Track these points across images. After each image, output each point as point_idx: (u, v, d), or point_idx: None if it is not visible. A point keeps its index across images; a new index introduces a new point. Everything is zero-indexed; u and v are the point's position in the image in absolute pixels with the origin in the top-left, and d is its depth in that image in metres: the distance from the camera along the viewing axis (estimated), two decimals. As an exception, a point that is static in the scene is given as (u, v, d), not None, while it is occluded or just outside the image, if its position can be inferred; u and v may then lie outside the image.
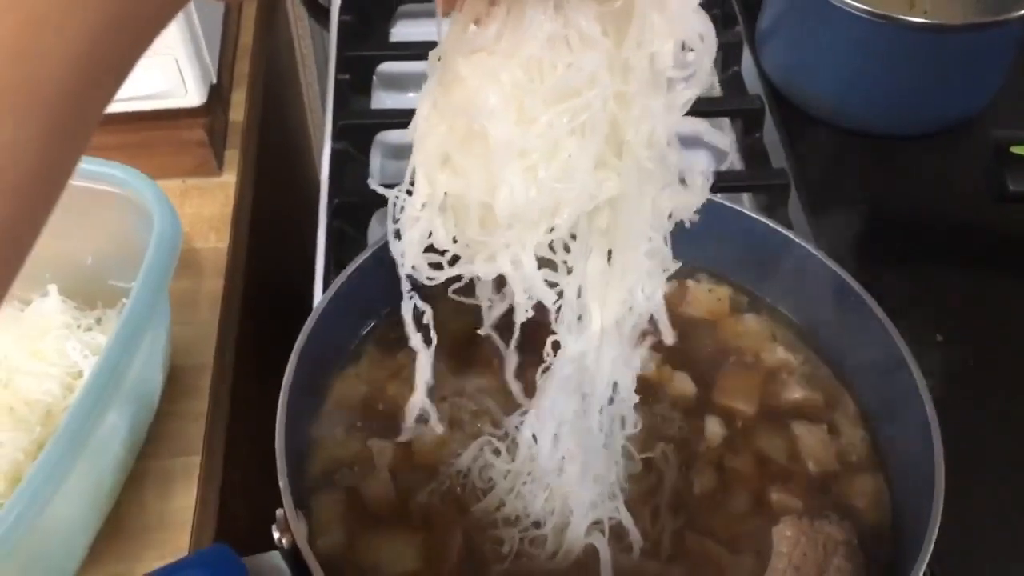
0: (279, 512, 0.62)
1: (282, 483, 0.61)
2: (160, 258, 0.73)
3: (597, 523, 0.65)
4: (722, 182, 0.96)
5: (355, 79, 1.10)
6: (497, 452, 0.69)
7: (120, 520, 0.76)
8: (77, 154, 0.35)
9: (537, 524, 0.66)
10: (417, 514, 0.68)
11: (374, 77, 1.13)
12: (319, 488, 0.69)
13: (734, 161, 1.06)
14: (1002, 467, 0.78)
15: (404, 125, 1.01)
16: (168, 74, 0.90)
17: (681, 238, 0.82)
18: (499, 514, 0.66)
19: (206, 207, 0.99)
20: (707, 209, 0.80)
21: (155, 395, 0.81)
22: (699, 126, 0.55)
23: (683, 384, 0.75)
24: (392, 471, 0.70)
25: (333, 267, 0.90)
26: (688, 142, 1.09)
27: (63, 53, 0.32)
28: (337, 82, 1.09)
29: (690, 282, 0.82)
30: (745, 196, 1.01)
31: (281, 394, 0.67)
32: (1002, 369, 0.84)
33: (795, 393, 0.74)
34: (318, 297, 0.87)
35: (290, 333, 0.72)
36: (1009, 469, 0.78)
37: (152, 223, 0.74)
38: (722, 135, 0.59)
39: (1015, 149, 0.75)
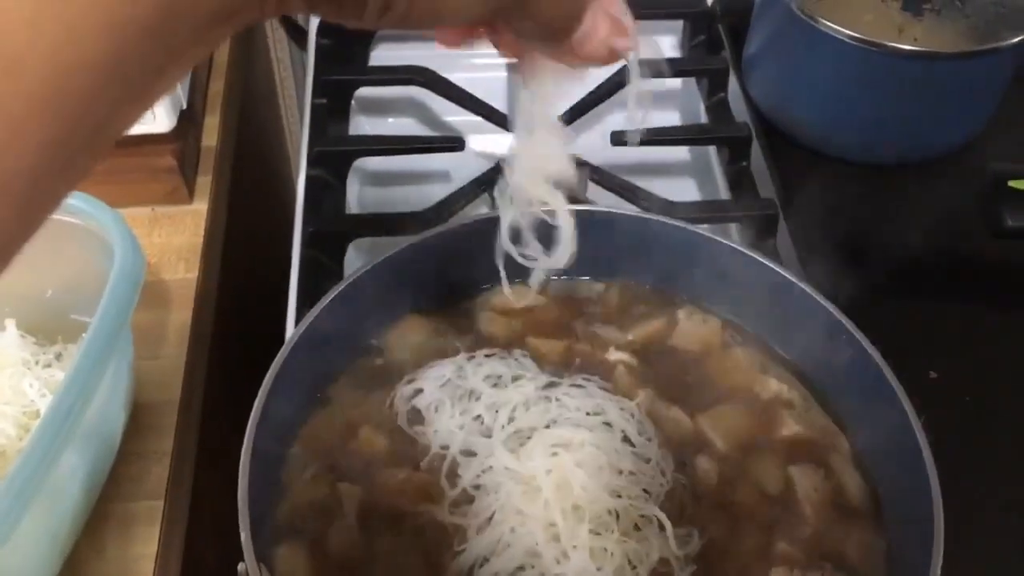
0: (240, 567, 0.58)
1: (244, 535, 0.58)
2: (120, 292, 0.69)
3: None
4: (708, 212, 0.94)
5: (332, 103, 1.07)
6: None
7: (77, 569, 0.72)
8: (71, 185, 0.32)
9: (523, 568, 0.63)
10: (387, 567, 0.64)
11: (352, 102, 1.10)
12: (284, 536, 0.65)
13: (721, 190, 1.04)
14: (1002, 510, 0.75)
15: (383, 152, 1.03)
16: (136, 99, 0.87)
17: (667, 270, 0.81)
18: (484, 568, 0.63)
19: (176, 236, 0.96)
20: (692, 242, 0.79)
21: (117, 434, 0.78)
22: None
23: (678, 419, 0.72)
24: (361, 518, 0.66)
25: (307, 299, 0.87)
26: (675, 170, 1.11)
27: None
28: (313, 106, 1.06)
29: (680, 313, 0.79)
30: (732, 227, 0.98)
31: (246, 437, 0.63)
32: (1000, 407, 0.81)
33: (790, 430, 0.71)
34: (290, 331, 0.84)
35: (263, 368, 0.69)
36: (1009, 511, 0.75)
37: (113, 254, 0.71)
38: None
39: (1013, 184, 0.73)
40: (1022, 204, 0.72)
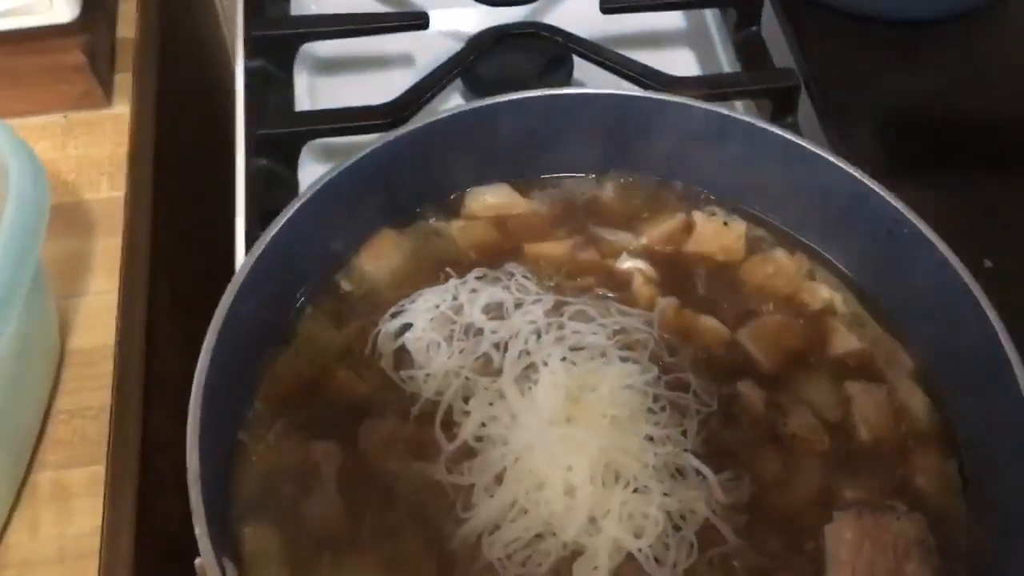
0: (197, 563, 0.47)
1: (198, 528, 0.46)
2: (20, 224, 0.56)
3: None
4: (717, 87, 0.80)
5: (269, -21, 0.91)
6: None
7: (9, 554, 0.61)
8: None
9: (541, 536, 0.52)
10: (377, 539, 0.53)
11: (292, -24, 0.95)
12: (250, 512, 0.54)
13: (723, 63, 0.90)
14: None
15: (335, 35, 0.88)
16: (24, -18, 0.71)
17: (677, 160, 0.69)
18: (494, 536, 0.52)
19: (95, 147, 0.81)
20: (706, 120, 0.66)
21: (40, 392, 0.65)
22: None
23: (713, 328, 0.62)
24: (341, 483, 0.55)
25: (258, 216, 0.74)
26: (666, 40, 0.98)
27: None
28: (247, -17, 0.90)
29: (697, 215, 0.67)
30: (739, 104, 0.85)
31: (192, 399, 0.51)
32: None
33: (845, 344, 0.61)
34: (240, 256, 0.71)
35: (214, 299, 0.56)
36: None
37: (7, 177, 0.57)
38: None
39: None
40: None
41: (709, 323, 0.62)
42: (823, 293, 0.63)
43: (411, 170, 0.65)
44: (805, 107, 0.80)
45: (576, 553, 0.52)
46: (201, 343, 0.54)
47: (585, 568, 0.51)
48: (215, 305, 0.56)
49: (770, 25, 0.87)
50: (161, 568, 0.71)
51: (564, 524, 0.52)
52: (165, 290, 0.85)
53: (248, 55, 0.84)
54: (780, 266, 0.64)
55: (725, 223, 0.66)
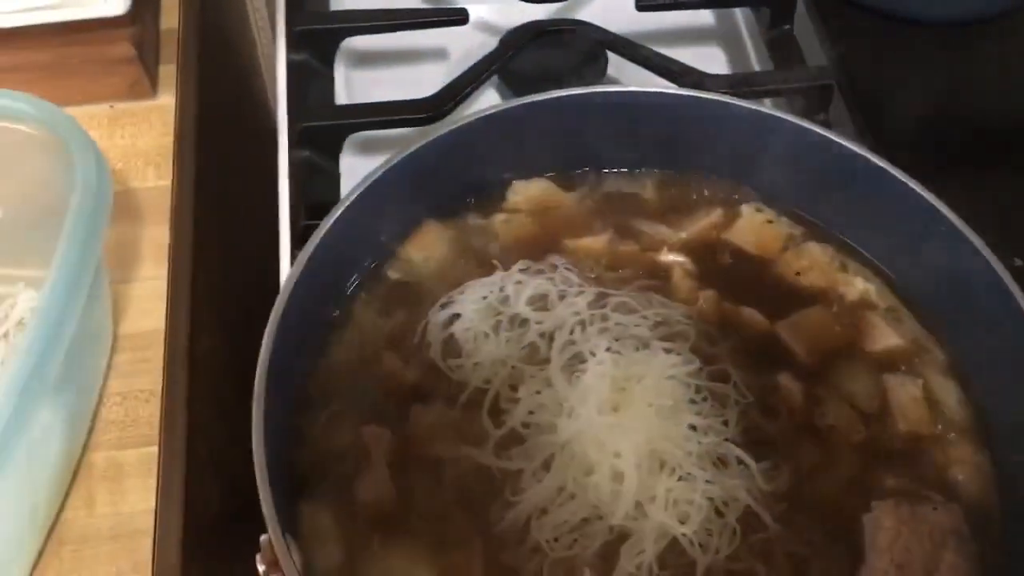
0: (263, 540, 0.49)
1: (266, 507, 0.48)
2: (87, 216, 0.58)
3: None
4: (751, 86, 0.82)
5: (309, -26, 0.93)
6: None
7: (66, 531, 0.63)
8: None
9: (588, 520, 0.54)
10: (426, 521, 0.55)
11: (332, -30, 0.96)
12: (305, 493, 0.56)
13: (753, 61, 0.92)
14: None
15: (376, 29, 0.90)
16: (80, -25, 0.72)
17: (718, 156, 0.70)
18: (542, 520, 0.54)
19: (141, 137, 0.83)
20: (744, 118, 0.68)
21: (96, 375, 0.67)
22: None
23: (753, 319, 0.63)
24: (392, 464, 0.57)
25: (302, 207, 0.75)
26: (696, 37, 0.99)
27: None
28: (288, -22, 0.92)
29: (745, 208, 0.68)
30: (768, 102, 0.86)
31: (256, 382, 0.53)
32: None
33: (882, 337, 0.62)
34: (285, 246, 0.73)
35: (257, 284, 0.58)
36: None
37: (72, 165, 0.59)
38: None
39: None
40: None
41: (749, 314, 0.63)
42: (859, 284, 0.64)
43: (455, 165, 0.66)
44: (837, 105, 0.82)
45: (623, 537, 0.54)
46: (237, 327, 0.55)
47: (631, 551, 0.53)
48: (254, 293, 0.58)
49: (803, 24, 0.89)
50: (202, 545, 0.73)
51: (612, 509, 0.53)
52: (204, 277, 0.87)
53: (290, 49, 0.86)
54: (814, 259, 0.65)
55: (770, 221, 0.68)
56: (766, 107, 0.67)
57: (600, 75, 0.88)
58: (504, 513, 0.55)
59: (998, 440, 0.59)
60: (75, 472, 0.65)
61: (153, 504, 0.64)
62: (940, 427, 0.60)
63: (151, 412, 0.68)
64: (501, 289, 0.63)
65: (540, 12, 0.92)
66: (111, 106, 0.84)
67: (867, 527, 0.54)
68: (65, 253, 0.55)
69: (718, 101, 0.66)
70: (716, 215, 0.68)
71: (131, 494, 0.65)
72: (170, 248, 0.77)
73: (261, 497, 0.48)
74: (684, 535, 0.53)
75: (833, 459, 0.58)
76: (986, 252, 0.59)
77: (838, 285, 0.65)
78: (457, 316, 0.62)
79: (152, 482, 0.65)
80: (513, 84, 0.87)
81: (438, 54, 0.96)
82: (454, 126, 0.65)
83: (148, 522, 0.64)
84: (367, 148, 0.84)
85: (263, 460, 0.49)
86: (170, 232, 0.77)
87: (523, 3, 0.93)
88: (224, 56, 1.23)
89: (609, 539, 0.54)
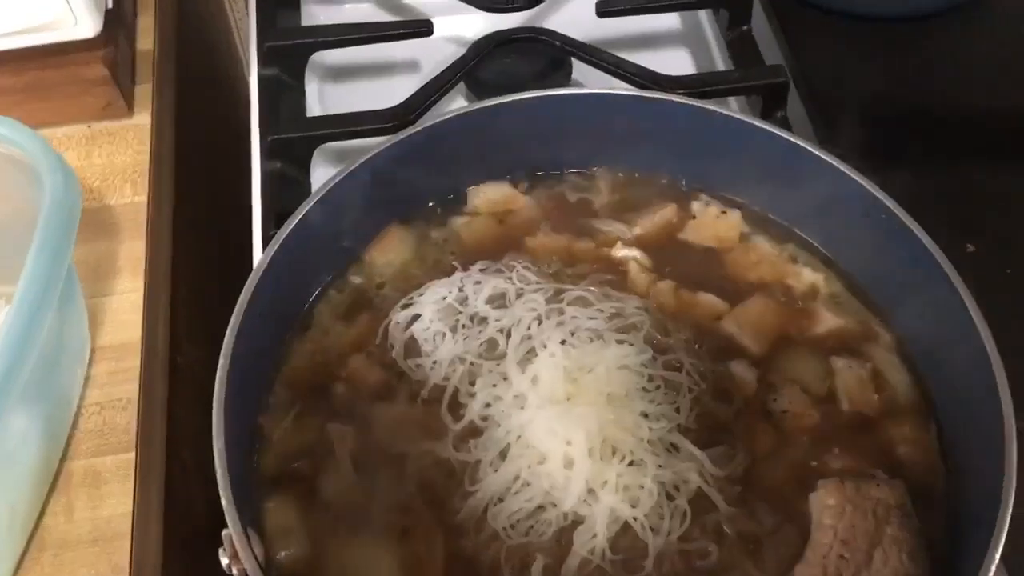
0: (225, 534, 0.51)
1: (225, 501, 0.50)
2: (54, 228, 0.60)
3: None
4: (707, 85, 0.84)
5: (280, -9, 0.96)
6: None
7: (46, 537, 0.65)
8: None
9: (543, 507, 0.56)
10: (389, 513, 0.57)
11: (302, -13, 0.99)
12: (272, 489, 0.58)
13: (718, 61, 0.94)
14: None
15: (342, 43, 0.92)
16: (51, 1, 0.75)
17: (667, 153, 0.72)
18: (498, 507, 0.56)
19: (118, 155, 0.85)
20: (697, 118, 0.70)
21: (72, 386, 0.69)
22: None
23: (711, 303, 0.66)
24: (356, 460, 0.59)
25: (273, 216, 0.78)
26: (663, 40, 1.01)
27: None
28: (258, -5, 0.94)
29: (695, 204, 0.70)
30: (732, 100, 0.88)
31: (216, 385, 0.55)
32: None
33: (828, 323, 0.64)
34: (257, 255, 0.75)
35: (233, 296, 0.60)
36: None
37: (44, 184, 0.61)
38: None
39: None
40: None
41: (707, 299, 0.65)
42: (807, 276, 0.66)
43: (415, 170, 0.68)
44: (795, 102, 0.84)
45: (576, 522, 0.55)
46: (221, 338, 0.58)
47: (584, 536, 0.55)
48: (234, 302, 0.60)
49: (760, 24, 0.91)
50: (187, 550, 0.75)
51: (564, 495, 0.55)
52: (185, 288, 0.89)
53: (261, 64, 0.88)
54: (763, 252, 0.67)
55: (723, 211, 0.70)
56: (711, 104, 0.68)
57: (565, 81, 0.90)
58: (463, 503, 0.56)
59: (943, 417, 0.61)
60: (54, 480, 0.67)
61: (131, 508, 0.67)
62: (886, 407, 0.61)
63: (128, 420, 0.70)
64: (460, 289, 0.65)
65: (509, 21, 0.95)
66: (88, 126, 0.86)
67: (813, 505, 0.56)
68: (32, 267, 0.57)
69: (664, 100, 0.68)
70: (669, 210, 0.70)
71: (109, 499, 0.67)
72: (146, 261, 0.79)
73: (221, 492, 0.50)
74: (635, 519, 0.55)
75: (786, 442, 0.60)
76: (923, 235, 0.60)
77: (787, 276, 0.67)
78: (417, 316, 0.64)
79: (130, 486, 0.67)
80: (479, 91, 0.89)
81: (410, 65, 0.98)
82: (409, 132, 0.67)
83: (126, 525, 0.66)
84: (340, 158, 0.86)
85: (223, 457, 0.51)
86: (146, 246, 0.80)
87: (493, 14, 0.95)
88: (206, 72, 1.25)
89: (563, 525, 0.55)
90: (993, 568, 0.49)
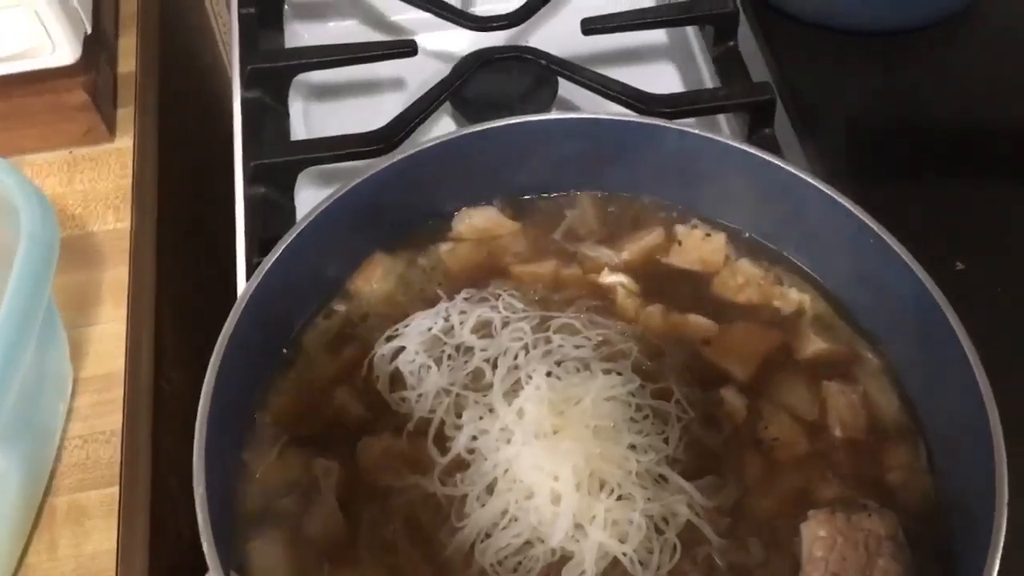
0: (207, 578, 0.50)
1: (206, 544, 0.49)
2: (32, 260, 0.59)
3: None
4: (694, 104, 0.83)
5: (263, 11, 0.95)
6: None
7: (30, 574, 0.64)
8: None
9: (531, 543, 0.55)
10: (375, 550, 0.56)
11: (285, 6, 0.98)
12: (256, 527, 0.57)
13: (706, 77, 0.93)
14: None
15: (325, 65, 0.91)
16: (28, 28, 0.74)
17: (656, 176, 0.71)
18: (485, 544, 0.55)
19: (100, 181, 0.84)
20: (680, 142, 0.69)
21: (54, 420, 0.68)
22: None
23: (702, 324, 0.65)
24: (341, 496, 0.58)
25: (257, 243, 0.77)
26: (651, 56, 1.00)
27: None
28: (242, 17, 0.93)
29: (680, 228, 0.70)
30: (722, 118, 0.88)
31: (198, 418, 0.54)
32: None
33: (816, 346, 0.63)
34: (241, 283, 0.74)
35: (219, 324, 0.59)
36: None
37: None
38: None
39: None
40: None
41: (696, 320, 0.65)
42: (793, 297, 0.66)
43: (400, 197, 0.68)
44: (782, 118, 0.83)
45: (564, 558, 0.55)
46: (208, 360, 0.57)
47: (573, 572, 0.54)
48: (221, 324, 0.59)
49: (746, 40, 0.90)
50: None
51: (552, 531, 0.54)
52: (171, 316, 0.88)
53: (244, 87, 0.87)
54: (749, 275, 0.67)
55: (708, 234, 0.69)
56: (695, 128, 0.68)
57: (551, 99, 0.89)
58: (450, 539, 0.56)
59: (933, 441, 0.60)
60: (37, 517, 0.66)
61: (115, 544, 0.66)
62: (878, 433, 0.61)
63: (112, 453, 0.70)
64: (446, 319, 0.64)
65: (494, 39, 0.94)
66: (70, 152, 0.85)
67: (804, 537, 0.56)
68: (9, 306, 0.56)
69: (647, 124, 0.67)
70: (656, 235, 0.70)
71: (94, 535, 0.66)
72: (129, 289, 0.78)
73: (202, 537, 0.49)
74: (624, 554, 0.54)
75: (776, 471, 0.60)
76: (913, 264, 0.60)
77: (773, 299, 0.66)
78: (402, 349, 0.63)
79: (114, 522, 0.67)
80: (465, 111, 0.89)
81: (396, 83, 0.98)
82: (394, 159, 0.66)
83: (111, 562, 0.65)
84: (327, 180, 0.86)
85: (203, 498, 0.50)
86: (129, 273, 0.79)
87: (477, 32, 0.95)
88: (194, 92, 1.25)
89: (552, 561, 0.55)
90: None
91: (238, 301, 0.60)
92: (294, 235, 0.63)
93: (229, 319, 0.59)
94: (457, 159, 0.69)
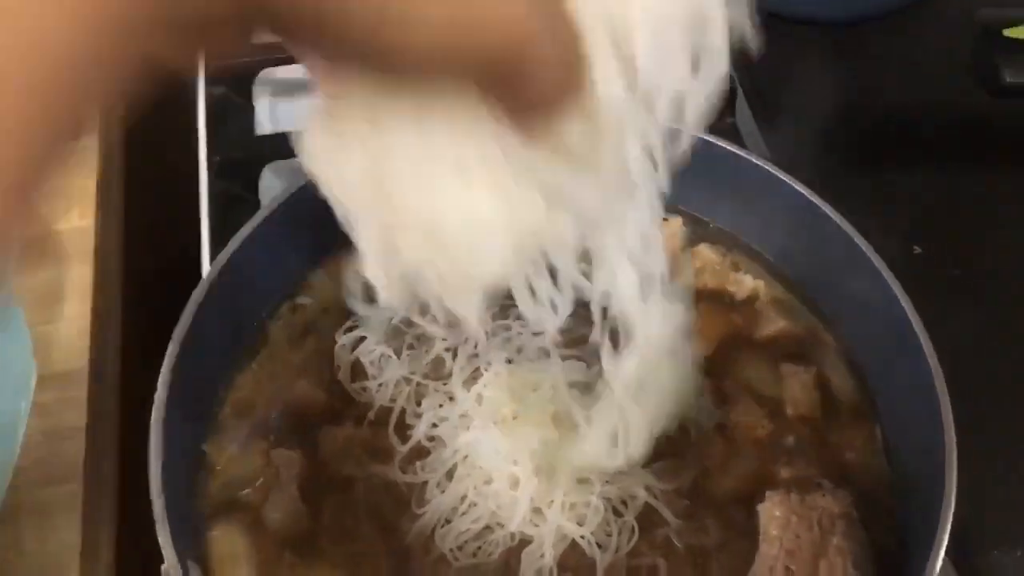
0: (164, 568, 0.50)
1: (161, 536, 0.49)
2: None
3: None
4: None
5: (228, 9, 0.94)
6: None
7: (-6, 570, 0.64)
8: None
9: (490, 528, 0.56)
10: (336, 538, 0.56)
11: (250, 5, 0.97)
12: (217, 516, 0.57)
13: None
14: (1010, 390, 0.69)
15: (289, 60, 0.91)
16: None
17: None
18: (445, 529, 0.55)
19: (63, 178, 0.84)
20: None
21: (16, 417, 0.68)
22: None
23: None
24: (303, 486, 0.58)
25: (221, 240, 0.77)
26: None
27: None
28: (206, 15, 0.93)
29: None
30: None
31: (154, 410, 0.55)
32: (992, 278, 0.74)
33: (776, 324, 0.64)
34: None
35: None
36: (1015, 390, 0.69)
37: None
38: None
39: (1010, 32, 0.63)
40: (1022, 55, 0.63)
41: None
42: (748, 282, 0.66)
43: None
44: (742, 107, 0.84)
45: (524, 542, 0.55)
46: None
47: (532, 556, 0.54)
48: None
49: (708, 31, 0.91)
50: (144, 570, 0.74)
51: (510, 515, 0.55)
52: (141, 312, 0.88)
53: (208, 83, 0.88)
54: (706, 259, 0.67)
55: (664, 219, 0.69)
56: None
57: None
58: (411, 525, 0.56)
59: (887, 422, 0.61)
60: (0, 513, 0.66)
61: (79, 539, 0.66)
62: (834, 413, 0.61)
63: (76, 449, 0.69)
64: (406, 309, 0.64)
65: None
66: (34, 150, 0.85)
67: (761, 517, 0.56)
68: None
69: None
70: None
71: (59, 531, 0.66)
72: (94, 286, 0.78)
73: (157, 525, 0.49)
74: (583, 537, 0.55)
75: (736, 453, 0.60)
76: (869, 250, 0.61)
77: (728, 284, 0.66)
78: (363, 339, 0.63)
79: (77, 517, 0.67)
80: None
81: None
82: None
83: (74, 558, 0.65)
84: (299, 176, 0.85)
85: (159, 488, 0.51)
86: (94, 270, 0.79)
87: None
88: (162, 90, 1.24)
89: (511, 545, 0.55)
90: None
91: (195, 293, 0.60)
92: (252, 228, 0.63)
93: (186, 311, 0.59)
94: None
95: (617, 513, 0.56)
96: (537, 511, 0.55)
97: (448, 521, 0.56)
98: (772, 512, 0.55)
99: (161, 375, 0.55)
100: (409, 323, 0.64)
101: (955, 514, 0.51)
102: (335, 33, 0.29)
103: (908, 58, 0.85)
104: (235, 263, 0.62)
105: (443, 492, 0.56)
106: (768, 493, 0.57)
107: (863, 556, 0.54)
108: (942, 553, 0.50)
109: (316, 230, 0.68)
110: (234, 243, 0.63)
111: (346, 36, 0.29)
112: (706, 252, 0.68)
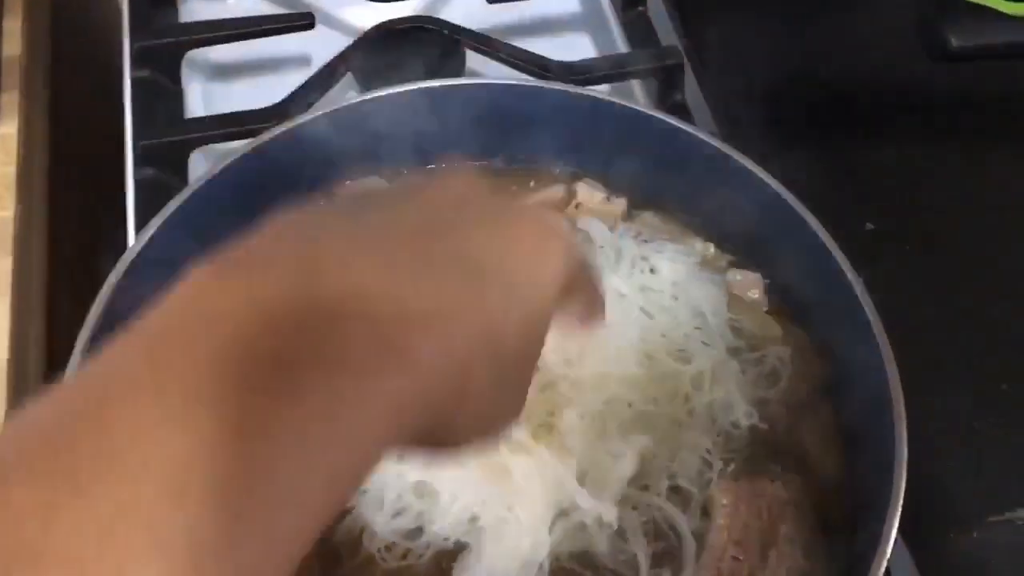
0: None
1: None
2: None
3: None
4: (603, 70, 0.81)
5: (155, -12, 0.91)
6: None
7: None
8: None
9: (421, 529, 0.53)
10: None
11: (179, -19, 0.94)
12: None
13: (620, 45, 0.91)
14: (962, 369, 0.67)
15: (218, 40, 0.87)
16: None
17: (554, 140, 0.69)
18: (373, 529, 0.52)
19: (-18, 168, 0.80)
20: (590, 108, 0.67)
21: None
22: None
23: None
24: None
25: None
26: (564, 25, 0.98)
27: None
28: (130, -8, 0.89)
29: (580, 186, 0.68)
30: (635, 84, 0.86)
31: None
32: (947, 254, 0.72)
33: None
34: (128, 269, 0.70)
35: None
36: (967, 370, 0.67)
37: None
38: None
39: (972, -3, 0.61)
40: (973, 20, 0.60)
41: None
42: (697, 247, 0.64)
43: (284, 171, 0.65)
44: (690, 84, 0.81)
45: (459, 546, 0.52)
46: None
47: (464, 559, 0.52)
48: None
49: (656, 5, 0.88)
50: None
51: (443, 517, 0.52)
52: (68, 305, 0.84)
53: (134, 65, 0.84)
54: (648, 225, 0.65)
55: (608, 198, 0.67)
56: (593, 91, 0.66)
57: (460, 70, 0.86)
58: (337, 524, 0.53)
59: (841, 404, 0.59)
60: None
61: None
62: (781, 396, 0.59)
63: None
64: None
65: (401, 11, 0.91)
66: (-52, 138, 0.81)
67: (710, 505, 0.54)
68: None
69: (541, 88, 0.65)
70: (553, 193, 0.67)
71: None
72: (13, 279, 0.74)
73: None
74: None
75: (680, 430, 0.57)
76: (818, 228, 0.59)
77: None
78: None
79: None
80: (369, 85, 0.85)
81: (301, 60, 0.94)
82: (274, 133, 0.63)
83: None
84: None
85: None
86: (13, 266, 0.75)
87: (381, 4, 0.92)
88: (91, 72, 1.19)
89: (443, 547, 0.52)
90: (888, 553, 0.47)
91: (110, 276, 0.56)
92: (175, 207, 0.59)
93: (100, 295, 0.55)
94: (348, 131, 0.66)
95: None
96: (470, 512, 0.52)
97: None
98: (720, 500, 0.53)
99: (70, 363, 0.52)
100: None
101: (908, 497, 0.49)
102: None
103: (861, 32, 0.84)
104: (159, 242, 0.59)
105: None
106: (716, 480, 0.55)
107: (814, 542, 0.52)
108: (893, 534, 0.48)
109: (245, 210, 0.65)
110: (156, 221, 0.59)
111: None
112: (650, 219, 0.65)
